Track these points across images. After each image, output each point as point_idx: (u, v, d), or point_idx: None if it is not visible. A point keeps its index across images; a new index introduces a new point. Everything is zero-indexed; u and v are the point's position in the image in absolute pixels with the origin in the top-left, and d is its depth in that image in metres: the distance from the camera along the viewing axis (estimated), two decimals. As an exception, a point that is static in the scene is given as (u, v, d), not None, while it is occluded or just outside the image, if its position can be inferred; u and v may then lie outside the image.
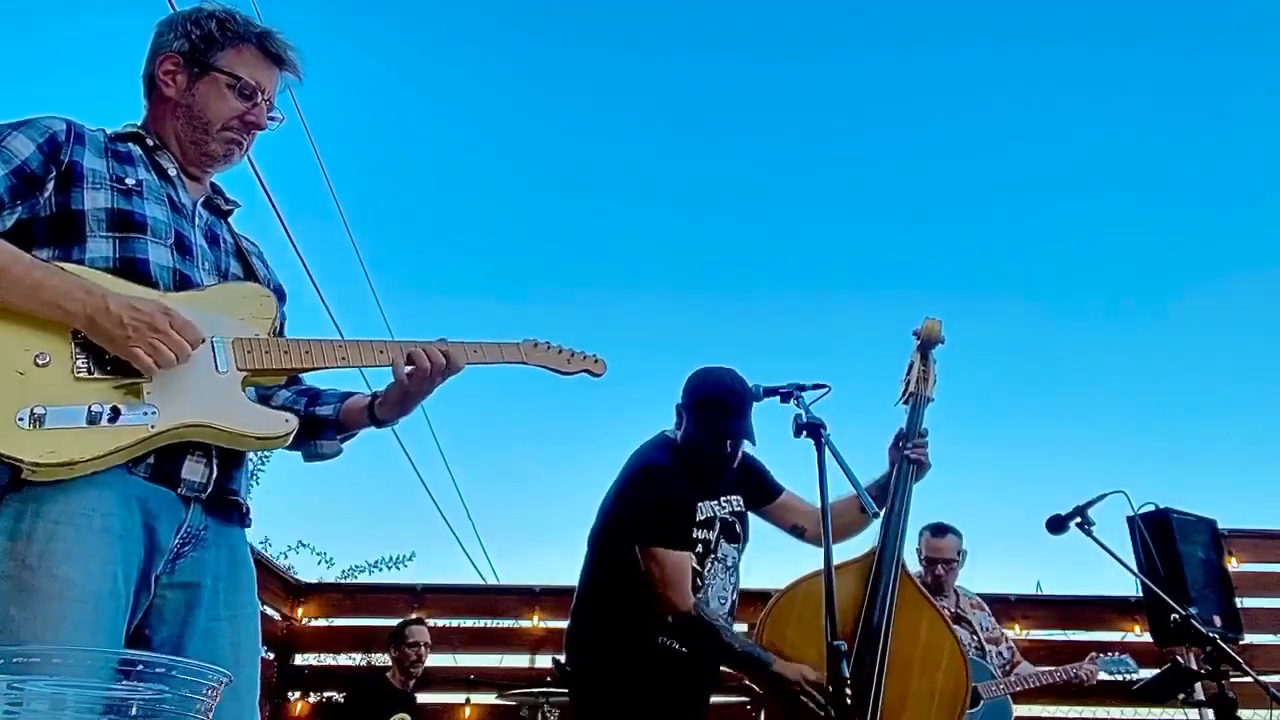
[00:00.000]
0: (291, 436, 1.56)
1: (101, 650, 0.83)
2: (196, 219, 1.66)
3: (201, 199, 1.70)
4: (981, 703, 3.60)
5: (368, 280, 7.02)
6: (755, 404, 2.61)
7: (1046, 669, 3.86)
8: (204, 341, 1.48)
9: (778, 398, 2.50)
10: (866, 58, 13.99)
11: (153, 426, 1.40)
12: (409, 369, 1.66)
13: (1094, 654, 3.96)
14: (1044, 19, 12.45)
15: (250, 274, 1.72)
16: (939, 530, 3.95)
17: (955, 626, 3.64)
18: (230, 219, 1.79)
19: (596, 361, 1.91)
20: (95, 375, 1.40)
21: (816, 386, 2.46)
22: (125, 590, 1.40)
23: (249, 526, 1.68)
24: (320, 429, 1.79)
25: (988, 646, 3.82)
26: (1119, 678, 3.83)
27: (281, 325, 1.81)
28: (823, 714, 2.07)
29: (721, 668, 2.75)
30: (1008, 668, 3.86)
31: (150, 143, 1.66)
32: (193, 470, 1.49)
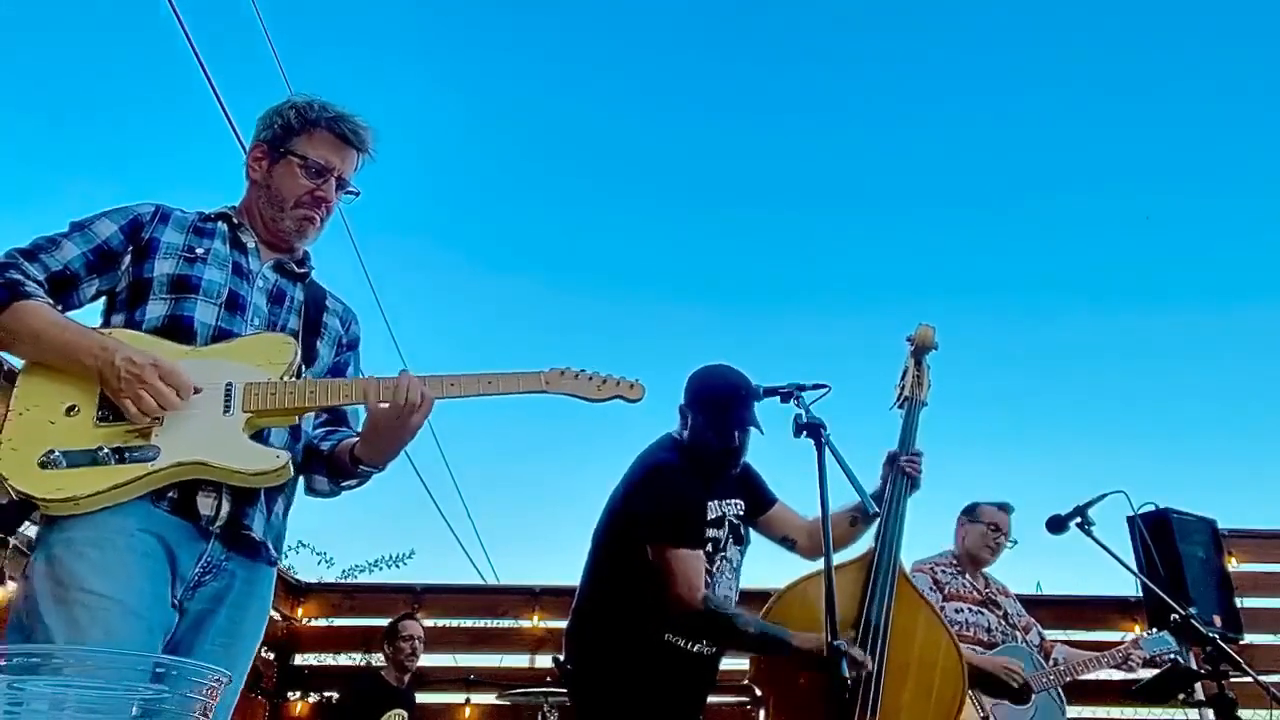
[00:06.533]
0: (283, 472, 1.65)
1: (101, 650, 0.83)
2: (258, 281, 1.84)
3: (271, 262, 1.88)
4: (1033, 698, 3.33)
5: (372, 289, 7.02)
6: (756, 403, 2.61)
7: (1092, 655, 3.67)
8: (196, 390, 1.63)
9: (778, 398, 2.51)
10: (862, 65, 14.00)
11: (151, 465, 1.55)
12: (384, 405, 1.70)
13: (1137, 637, 3.82)
14: (1036, 25, 12.45)
15: (310, 327, 1.88)
16: (1006, 506, 3.86)
17: (983, 610, 3.60)
18: (308, 281, 1.95)
19: (633, 386, 1.83)
20: (112, 421, 1.59)
21: (816, 386, 2.46)
22: (155, 604, 1.55)
23: (274, 564, 1.80)
24: (312, 463, 1.87)
25: (1018, 634, 3.71)
26: (1168, 657, 3.67)
27: (332, 372, 1.93)
28: (846, 680, 2.04)
29: (720, 667, 2.76)
30: (1040, 652, 3.71)
31: (236, 220, 1.87)
32: (204, 505, 1.63)
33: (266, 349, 1.74)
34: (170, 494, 1.59)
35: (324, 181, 1.85)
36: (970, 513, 3.87)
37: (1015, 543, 3.80)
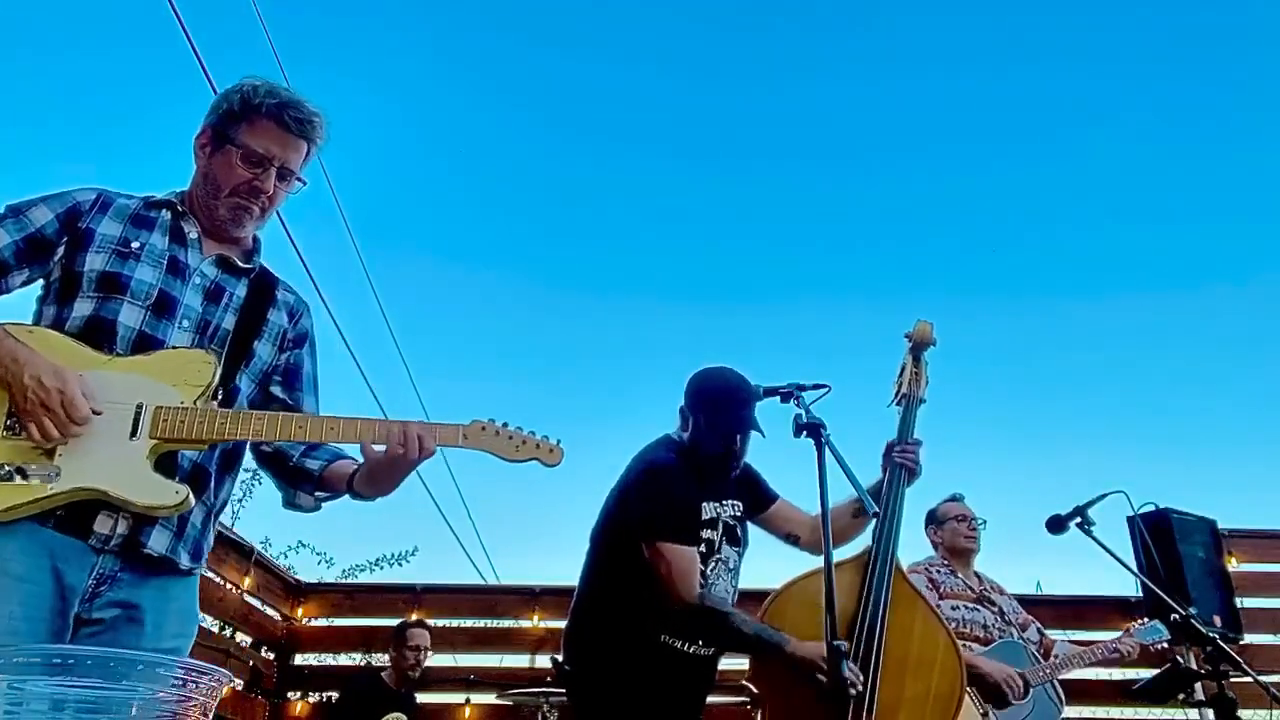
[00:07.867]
0: (181, 506, 1.62)
1: (101, 650, 0.83)
2: (195, 277, 1.78)
3: (213, 258, 1.81)
4: (1031, 692, 3.40)
5: (374, 295, 7.02)
6: (757, 403, 2.61)
7: (1085, 648, 3.68)
8: (97, 413, 1.59)
9: (778, 398, 2.50)
10: (862, 75, 14.00)
11: (51, 487, 1.55)
12: (380, 448, 1.68)
13: (1130, 626, 3.82)
14: (1035, 35, 12.45)
15: (249, 325, 1.82)
16: (956, 495, 3.91)
17: (978, 607, 3.62)
18: (257, 273, 1.88)
19: (551, 450, 1.78)
20: (20, 436, 1.56)
21: (816, 386, 2.46)
22: (27, 628, 1.52)
23: (189, 574, 1.76)
24: (301, 480, 1.87)
25: (1014, 631, 3.71)
26: (1161, 646, 3.68)
27: (283, 372, 1.91)
28: (841, 690, 2.04)
29: (720, 667, 2.75)
30: (1039, 649, 3.72)
31: (180, 209, 1.82)
32: (103, 524, 1.61)
33: (185, 367, 1.67)
34: (58, 512, 1.57)
35: (263, 171, 1.78)
36: (932, 519, 3.91)
37: (985, 521, 3.86)
